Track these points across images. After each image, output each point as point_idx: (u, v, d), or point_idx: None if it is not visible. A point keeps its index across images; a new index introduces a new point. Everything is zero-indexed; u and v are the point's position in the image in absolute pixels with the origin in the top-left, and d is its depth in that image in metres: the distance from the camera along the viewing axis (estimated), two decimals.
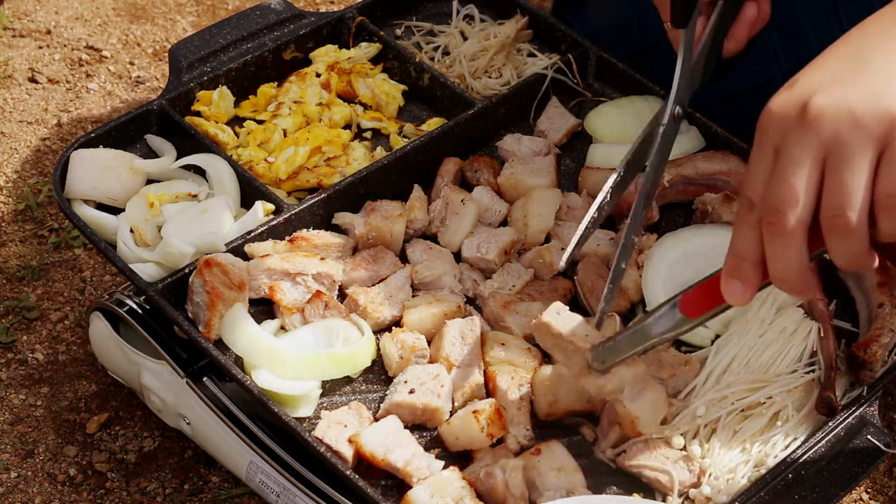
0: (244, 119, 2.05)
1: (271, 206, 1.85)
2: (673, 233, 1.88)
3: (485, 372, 1.71)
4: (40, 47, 2.57)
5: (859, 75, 1.24)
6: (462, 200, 1.88)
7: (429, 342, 1.73)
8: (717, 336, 1.76)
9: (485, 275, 1.85)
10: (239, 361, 1.67)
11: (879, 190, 1.22)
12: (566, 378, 1.67)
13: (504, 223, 1.92)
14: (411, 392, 1.64)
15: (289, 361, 1.66)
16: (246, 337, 1.67)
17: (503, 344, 1.72)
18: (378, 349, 1.74)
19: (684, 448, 1.61)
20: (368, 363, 1.71)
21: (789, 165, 1.23)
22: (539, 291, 1.80)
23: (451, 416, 1.65)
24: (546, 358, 1.76)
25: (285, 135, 2.01)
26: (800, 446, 1.61)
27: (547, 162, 1.96)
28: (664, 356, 1.70)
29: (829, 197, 1.22)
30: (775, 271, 1.27)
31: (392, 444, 1.59)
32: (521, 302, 1.76)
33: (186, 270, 1.74)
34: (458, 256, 1.86)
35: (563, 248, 1.86)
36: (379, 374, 1.74)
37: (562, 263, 1.62)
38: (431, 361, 1.71)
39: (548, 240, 1.88)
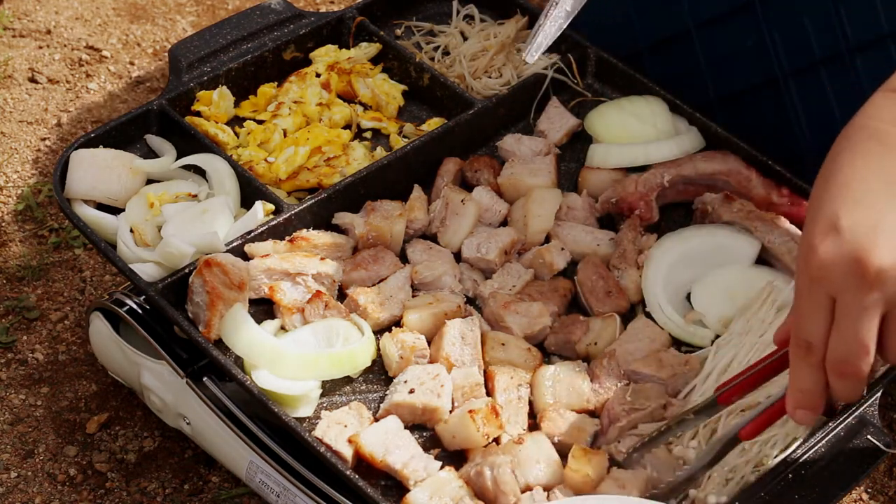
0: (244, 119, 2.05)
1: (271, 206, 1.85)
2: (673, 233, 1.88)
3: (485, 371, 1.71)
4: (40, 47, 2.57)
5: None
6: (462, 200, 1.88)
7: (429, 342, 1.73)
8: (718, 336, 1.76)
9: (485, 275, 1.85)
10: (239, 361, 1.67)
11: None
12: (565, 378, 1.67)
13: (504, 223, 1.92)
14: (411, 392, 1.64)
15: (289, 361, 1.66)
16: (246, 337, 1.67)
17: (503, 344, 1.72)
18: (378, 349, 1.74)
19: (684, 461, 1.61)
20: (368, 363, 1.71)
21: (855, 321, 1.30)
22: (539, 291, 1.80)
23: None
24: (546, 358, 1.76)
25: (285, 135, 2.01)
26: (800, 446, 1.61)
27: (547, 162, 1.96)
28: (664, 356, 1.70)
29: (892, 342, 1.33)
30: (845, 399, 1.39)
31: (391, 444, 1.59)
32: (521, 302, 1.77)
33: (186, 270, 1.74)
34: (458, 256, 1.86)
35: (563, 249, 1.86)
36: (379, 374, 1.74)
37: (529, 57, 1.69)
38: (431, 361, 1.71)
39: (548, 240, 1.88)
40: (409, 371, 1.68)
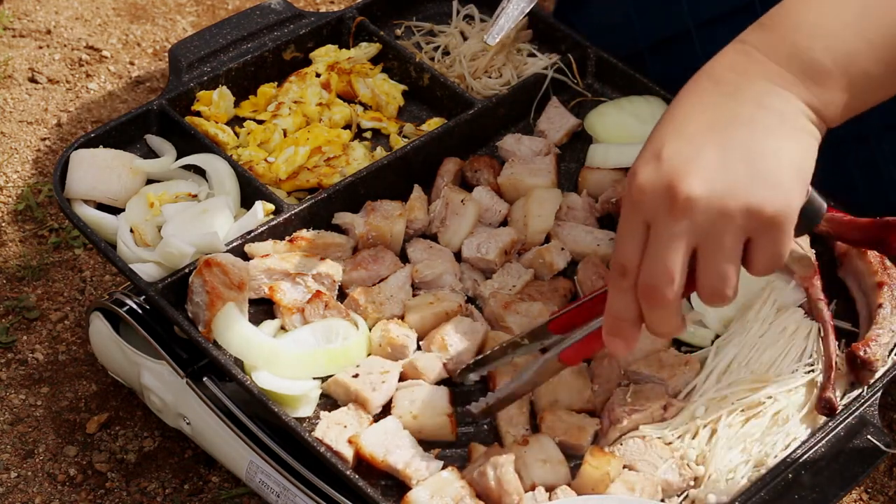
0: (244, 119, 2.05)
1: (271, 206, 1.85)
2: None
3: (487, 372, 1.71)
4: (40, 47, 2.57)
5: (723, 161, 1.32)
6: (462, 200, 1.88)
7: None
8: (717, 336, 1.76)
9: (485, 275, 1.85)
10: (239, 361, 1.67)
11: (756, 269, 1.36)
12: (566, 378, 1.67)
13: (504, 223, 1.92)
14: (355, 376, 1.66)
15: (283, 359, 1.66)
16: (239, 336, 1.67)
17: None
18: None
19: (683, 456, 1.61)
20: (364, 358, 1.71)
21: (664, 247, 1.32)
22: (539, 291, 1.80)
23: (381, 410, 1.66)
24: None
25: (285, 135, 2.01)
26: (800, 446, 1.61)
27: (547, 162, 1.96)
28: (664, 356, 1.70)
29: (707, 278, 1.34)
30: (654, 330, 1.39)
31: (391, 445, 1.59)
32: (521, 302, 1.76)
33: (186, 270, 1.74)
34: (458, 256, 1.86)
35: (563, 249, 1.86)
36: None
37: (490, 39, 1.74)
38: (425, 348, 1.72)
39: (548, 240, 1.88)
40: (370, 359, 1.69)
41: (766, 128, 1.34)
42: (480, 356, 1.66)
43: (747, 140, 1.34)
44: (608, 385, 1.68)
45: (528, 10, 1.97)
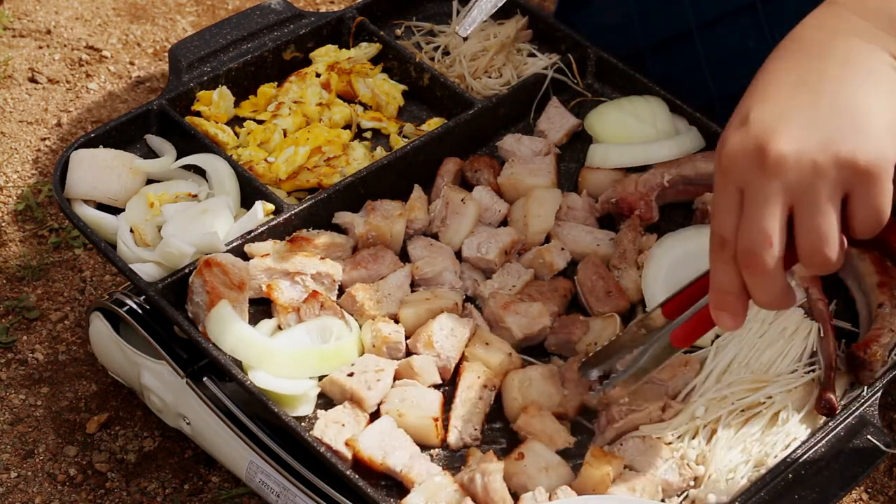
0: (244, 119, 2.05)
1: (271, 206, 1.85)
2: (673, 233, 1.88)
3: (458, 363, 1.71)
4: (40, 47, 2.57)
5: (812, 116, 1.29)
6: (462, 200, 1.88)
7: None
8: (718, 336, 1.76)
9: (485, 275, 1.85)
10: (238, 361, 1.67)
11: (856, 227, 1.31)
12: (536, 382, 1.67)
13: (504, 223, 1.91)
14: (350, 375, 1.66)
15: (276, 358, 1.66)
16: (232, 335, 1.67)
17: (487, 343, 1.72)
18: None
19: (683, 456, 1.61)
20: (357, 357, 1.71)
21: (758, 210, 1.29)
22: (539, 291, 1.80)
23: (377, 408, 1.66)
24: (546, 359, 1.76)
25: (285, 135, 2.01)
26: (800, 446, 1.61)
27: (547, 162, 1.95)
28: None
29: (806, 239, 1.30)
30: (759, 301, 1.35)
31: (389, 446, 1.59)
32: (521, 302, 1.76)
33: (186, 270, 1.74)
34: (458, 256, 1.86)
35: (563, 249, 1.85)
36: None
37: (462, 31, 1.75)
38: (412, 347, 1.72)
39: (548, 240, 1.88)
40: (365, 357, 1.69)
41: (854, 83, 1.32)
42: (599, 349, 1.61)
43: (835, 96, 1.30)
44: (580, 388, 1.67)
45: (500, 4, 1.96)
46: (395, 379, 1.69)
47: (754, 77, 1.38)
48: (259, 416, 1.73)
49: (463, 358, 1.72)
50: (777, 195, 1.28)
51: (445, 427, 1.66)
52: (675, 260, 1.84)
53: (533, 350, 1.77)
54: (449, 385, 1.72)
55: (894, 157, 1.29)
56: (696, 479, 1.60)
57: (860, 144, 1.27)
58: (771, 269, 1.31)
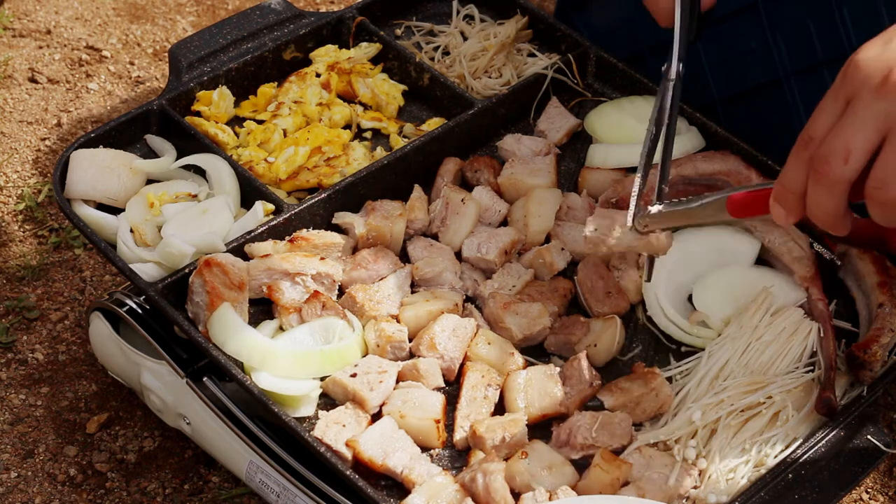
0: (244, 119, 2.05)
1: (271, 206, 1.85)
2: (673, 234, 1.88)
3: (462, 363, 1.71)
4: (40, 47, 2.57)
5: None
6: (462, 200, 1.88)
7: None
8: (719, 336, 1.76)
9: (485, 275, 1.85)
10: (239, 362, 1.67)
11: None
12: (537, 382, 1.67)
13: (504, 223, 1.91)
14: (353, 376, 1.66)
15: (280, 359, 1.66)
16: (236, 337, 1.67)
17: (489, 343, 1.72)
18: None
19: (685, 459, 1.61)
20: (359, 358, 1.71)
21: (853, 123, 1.28)
22: (539, 291, 1.80)
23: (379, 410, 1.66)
24: (546, 359, 1.76)
25: (285, 135, 2.01)
26: (800, 446, 1.61)
27: (547, 162, 1.95)
28: (634, 388, 1.68)
29: (879, 168, 1.28)
30: (813, 212, 1.35)
31: (389, 448, 1.59)
32: (520, 303, 1.76)
33: (186, 270, 1.74)
34: (458, 256, 1.86)
35: (563, 249, 1.86)
36: None
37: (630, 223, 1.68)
38: (414, 348, 1.72)
39: (548, 240, 1.88)
40: (368, 358, 1.70)
41: None
42: (674, 202, 1.62)
43: None
44: (580, 387, 1.67)
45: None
46: (398, 380, 1.69)
47: None
48: (259, 416, 1.73)
49: (466, 358, 1.72)
50: (879, 116, 1.28)
51: (450, 428, 1.66)
52: (676, 260, 1.84)
53: (533, 350, 1.77)
54: (451, 386, 1.72)
55: None
56: (700, 472, 1.60)
57: None
58: (836, 184, 1.31)
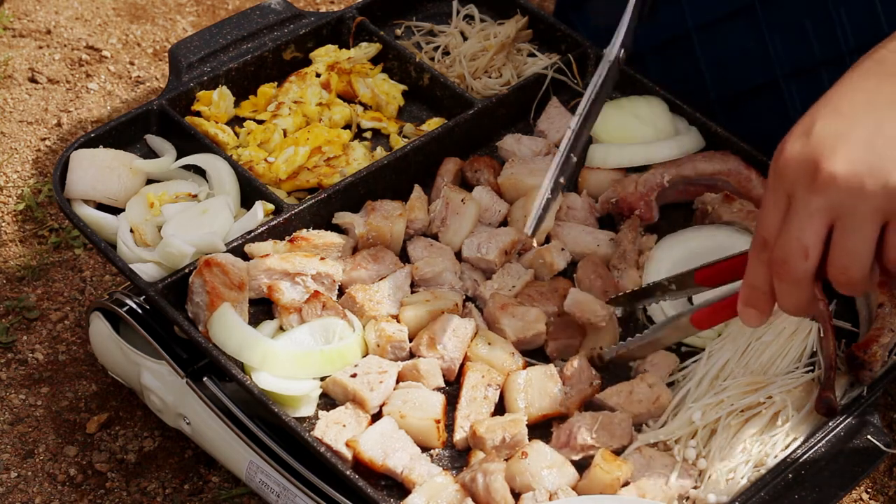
0: (244, 119, 2.05)
1: (271, 206, 1.85)
2: (673, 234, 1.88)
3: (462, 364, 1.71)
4: (40, 47, 2.57)
5: (871, 140, 1.31)
6: (462, 200, 1.87)
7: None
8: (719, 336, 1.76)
9: (485, 275, 1.85)
10: (239, 362, 1.67)
11: (888, 258, 1.33)
12: (537, 382, 1.67)
13: (504, 223, 1.91)
14: (353, 376, 1.66)
15: (280, 359, 1.66)
16: (235, 336, 1.67)
17: (489, 343, 1.72)
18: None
19: (685, 459, 1.61)
20: (360, 358, 1.71)
21: (800, 221, 1.33)
22: (539, 292, 1.80)
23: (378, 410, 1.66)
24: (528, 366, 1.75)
25: (285, 135, 2.01)
26: (800, 446, 1.61)
27: (547, 162, 1.95)
28: (636, 388, 1.68)
29: (837, 256, 1.33)
30: (783, 306, 1.40)
31: (389, 448, 1.59)
32: (518, 306, 1.76)
33: (186, 270, 1.74)
34: (459, 257, 1.86)
35: (563, 249, 1.86)
36: None
37: (527, 230, 1.71)
38: (414, 348, 1.72)
39: (548, 240, 1.88)
40: (368, 358, 1.70)
41: None
42: (632, 291, 1.72)
43: None
44: (580, 387, 1.67)
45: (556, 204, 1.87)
46: (399, 381, 1.69)
47: (830, 88, 1.40)
48: (259, 416, 1.73)
49: (466, 358, 1.72)
50: (821, 211, 1.32)
51: (450, 428, 1.66)
52: (676, 261, 1.84)
53: (534, 352, 1.77)
54: (451, 386, 1.72)
55: None
56: (700, 472, 1.60)
57: None
58: (801, 280, 1.35)
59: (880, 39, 1.89)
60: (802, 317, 1.43)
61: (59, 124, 2.41)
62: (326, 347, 1.69)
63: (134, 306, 1.82)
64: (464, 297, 1.81)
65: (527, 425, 1.64)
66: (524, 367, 1.71)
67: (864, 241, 1.32)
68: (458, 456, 1.65)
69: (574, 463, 1.60)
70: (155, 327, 1.80)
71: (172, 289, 1.73)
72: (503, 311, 1.75)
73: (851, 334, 1.78)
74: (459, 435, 1.64)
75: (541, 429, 1.67)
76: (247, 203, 1.88)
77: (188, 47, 2.04)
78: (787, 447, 1.62)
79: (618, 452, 1.62)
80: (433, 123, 2.04)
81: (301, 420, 1.65)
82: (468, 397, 1.66)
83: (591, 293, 1.80)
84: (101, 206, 1.88)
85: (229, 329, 1.67)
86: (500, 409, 1.69)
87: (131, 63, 2.56)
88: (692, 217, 1.93)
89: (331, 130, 2.02)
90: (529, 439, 1.62)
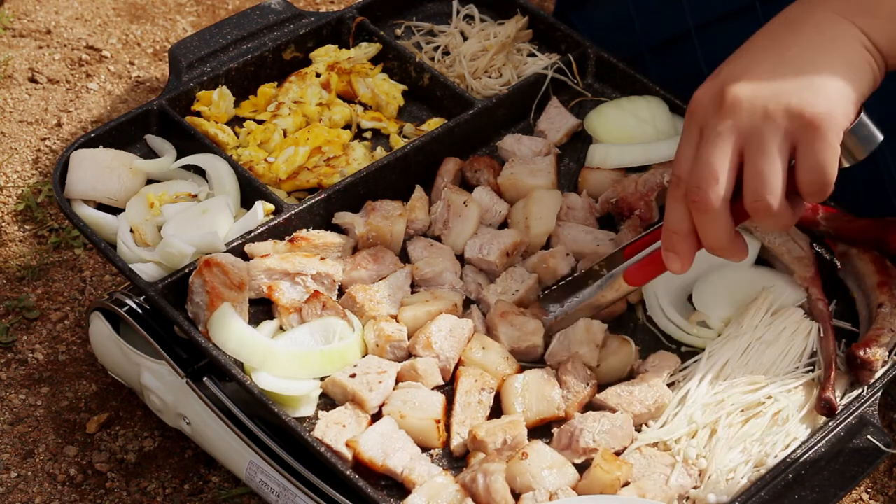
0: (244, 119, 2.05)
1: (271, 206, 1.85)
2: None
3: (456, 367, 1.71)
4: (40, 47, 2.57)
5: (773, 70, 1.40)
6: (464, 203, 1.87)
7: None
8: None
9: (488, 276, 1.84)
10: (239, 362, 1.67)
11: (800, 180, 1.38)
12: (534, 386, 1.67)
13: (504, 224, 1.91)
14: (352, 376, 1.66)
15: (280, 359, 1.66)
16: (235, 336, 1.67)
17: (484, 347, 1.72)
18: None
19: (685, 459, 1.61)
20: (359, 358, 1.71)
21: (709, 147, 1.39)
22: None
23: (378, 410, 1.66)
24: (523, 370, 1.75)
25: (285, 135, 2.01)
26: (800, 446, 1.61)
27: (547, 162, 1.95)
28: (636, 389, 1.68)
29: (749, 182, 1.39)
30: (706, 241, 1.43)
31: (389, 448, 1.59)
32: (519, 315, 1.75)
33: (186, 270, 1.74)
34: (460, 259, 1.86)
35: (567, 254, 1.85)
36: None
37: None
38: (411, 348, 1.72)
39: (549, 241, 1.87)
40: (367, 358, 1.70)
41: (819, 48, 1.41)
42: (562, 282, 1.74)
43: (799, 56, 1.40)
44: (577, 389, 1.67)
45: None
46: (398, 381, 1.69)
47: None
48: (259, 416, 1.73)
49: (460, 362, 1.72)
50: (728, 134, 1.38)
51: (447, 431, 1.66)
52: None
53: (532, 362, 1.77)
54: (450, 386, 1.71)
55: (844, 121, 1.37)
56: (700, 472, 1.60)
57: (810, 99, 1.36)
58: (715, 207, 1.39)
59: None
60: (730, 258, 1.45)
61: (59, 124, 2.41)
62: (326, 347, 1.69)
63: (134, 306, 1.82)
64: (464, 297, 1.81)
65: (525, 428, 1.63)
66: (518, 372, 1.71)
67: (772, 163, 1.37)
68: (453, 457, 1.64)
69: (574, 463, 1.60)
70: (155, 327, 1.80)
71: (172, 289, 1.73)
72: (502, 318, 1.74)
73: (851, 334, 1.78)
74: (456, 441, 1.64)
75: (539, 430, 1.67)
76: (247, 203, 1.88)
77: (188, 47, 2.04)
78: (787, 447, 1.62)
79: (618, 453, 1.62)
80: (433, 123, 2.04)
81: (301, 420, 1.65)
82: (462, 402, 1.66)
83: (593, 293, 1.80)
84: (101, 206, 1.88)
85: (229, 329, 1.67)
86: (495, 412, 1.68)
87: (131, 63, 2.56)
88: None
89: (331, 130, 2.02)
90: (528, 441, 1.62)
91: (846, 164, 1.43)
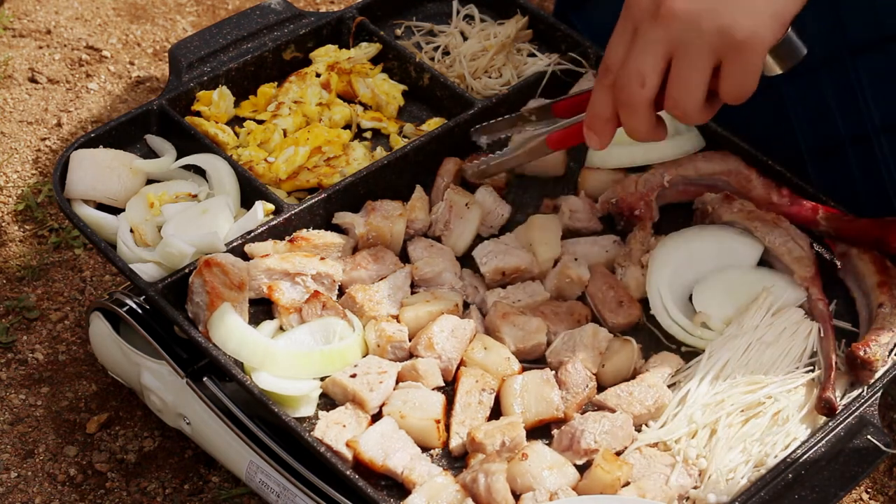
0: (244, 119, 2.05)
1: (271, 206, 1.85)
2: (676, 233, 1.88)
3: (458, 367, 1.71)
4: (40, 47, 2.57)
5: None
6: (466, 204, 1.87)
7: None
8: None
9: (484, 282, 1.84)
10: (239, 362, 1.67)
11: (722, 90, 1.49)
12: (533, 387, 1.66)
13: (506, 227, 1.91)
14: (352, 376, 1.66)
15: (280, 359, 1.66)
16: (235, 336, 1.67)
17: (486, 348, 1.72)
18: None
19: (685, 459, 1.61)
20: (359, 358, 1.71)
21: (641, 52, 1.49)
22: (554, 312, 1.78)
23: (378, 410, 1.66)
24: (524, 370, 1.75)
25: (285, 135, 2.01)
26: (800, 446, 1.61)
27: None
28: (636, 389, 1.68)
29: (673, 87, 1.49)
30: (628, 130, 1.56)
31: (389, 448, 1.59)
32: (520, 315, 1.75)
33: (186, 270, 1.74)
34: (460, 259, 1.86)
35: (576, 259, 1.84)
36: None
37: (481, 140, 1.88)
38: (412, 349, 1.72)
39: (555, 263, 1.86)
40: (368, 359, 1.70)
41: None
42: (493, 121, 1.86)
43: None
44: (576, 390, 1.67)
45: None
46: (398, 381, 1.69)
47: None
48: (259, 416, 1.73)
49: (461, 363, 1.72)
50: (660, 43, 1.47)
51: (447, 431, 1.66)
52: (679, 261, 1.84)
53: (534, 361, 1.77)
54: (450, 386, 1.72)
55: (770, 40, 1.46)
56: (700, 472, 1.60)
57: (740, 18, 1.43)
58: (639, 105, 1.51)
59: (879, 40, 1.90)
60: (649, 140, 1.57)
61: (59, 124, 2.41)
62: (326, 347, 1.69)
63: (134, 306, 1.82)
64: (464, 297, 1.81)
65: (524, 429, 1.64)
66: (521, 373, 1.71)
67: (697, 74, 1.47)
68: (453, 457, 1.64)
69: (574, 463, 1.60)
70: (155, 327, 1.80)
71: (172, 289, 1.73)
72: (504, 319, 1.74)
73: (851, 334, 1.78)
74: (455, 441, 1.64)
75: (538, 431, 1.67)
76: (247, 203, 1.88)
77: (188, 47, 2.04)
78: (787, 447, 1.62)
79: (618, 453, 1.62)
80: (433, 123, 2.04)
81: (301, 420, 1.65)
82: (462, 403, 1.66)
83: (605, 305, 1.79)
84: (101, 206, 1.88)
85: (229, 329, 1.67)
86: (495, 413, 1.68)
87: (131, 63, 2.56)
88: (692, 217, 1.93)
89: (331, 130, 2.02)
90: (527, 442, 1.62)
91: (769, 75, 1.52)
